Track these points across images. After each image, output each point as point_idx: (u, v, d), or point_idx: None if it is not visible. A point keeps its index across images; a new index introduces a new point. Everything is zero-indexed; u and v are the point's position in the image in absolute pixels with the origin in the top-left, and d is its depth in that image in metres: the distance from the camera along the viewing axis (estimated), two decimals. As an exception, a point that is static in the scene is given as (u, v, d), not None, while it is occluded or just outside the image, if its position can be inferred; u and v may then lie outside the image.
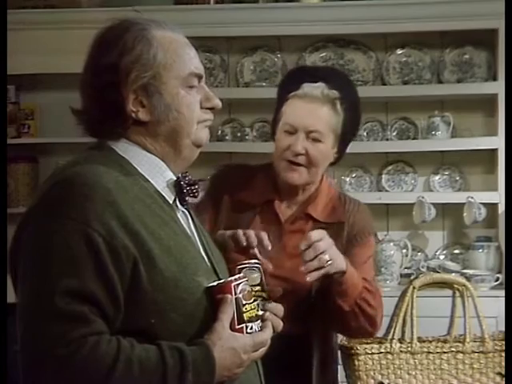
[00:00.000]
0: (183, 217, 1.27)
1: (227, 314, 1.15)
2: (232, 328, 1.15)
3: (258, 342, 1.17)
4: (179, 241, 1.20)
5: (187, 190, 1.25)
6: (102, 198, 1.11)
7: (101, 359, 1.06)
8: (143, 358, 1.07)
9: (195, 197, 1.28)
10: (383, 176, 3.38)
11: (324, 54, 3.36)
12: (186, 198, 1.25)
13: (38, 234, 1.11)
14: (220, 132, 3.38)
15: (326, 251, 1.53)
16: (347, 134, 1.74)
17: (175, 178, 1.24)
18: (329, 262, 1.53)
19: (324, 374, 1.72)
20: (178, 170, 1.25)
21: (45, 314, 1.07)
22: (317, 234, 1.55)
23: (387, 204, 3.34)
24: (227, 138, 3.38)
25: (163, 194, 1.22)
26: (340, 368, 1.84)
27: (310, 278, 1.53)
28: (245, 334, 1.16)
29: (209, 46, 3.37)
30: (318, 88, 1.70)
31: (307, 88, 1.71)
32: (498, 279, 3.02)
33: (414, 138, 3.31)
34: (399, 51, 3.33)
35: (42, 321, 1.07)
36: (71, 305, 1.07)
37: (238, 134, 3.40)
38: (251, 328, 1.18)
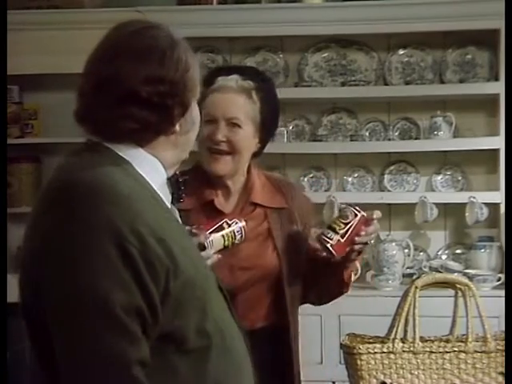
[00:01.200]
0: (177, 216, 1.29)
1: None
2: None
3: None
4: (186, 241, 1.22)
5: (182, 190, 1.27)
6: (128, 206, 1.10)
7: None
8: None
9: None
10: (385, 176, 3.38)
11: (326, 54, 3.37)
12: (183, 196, 1.27)
13: (71, 248, 1.07)
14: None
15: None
16: (266, 123, 1.79)
17: (167, 178, 1.25)
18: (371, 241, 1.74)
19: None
20: (170, 172, 1.27)
21: (102, 329, 1.05)
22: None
23: (389, 204, 3.34)
24: (230, 138, 3.39)
25: (161, 195, 1.22)
26: (342, 367, 1.85)
27: (357, 246, 1.70)
28: None
29: (211, 46, 3.37)
30: (232, 79, 1.76)
31: (222, 81, 1.77)
32: (499, 279, 3.02)
33: (416, 138, 3.32)
34: (401, 51, 3.34)
35: (98, 336, 1.05)
36: (126, 320, 1.06)
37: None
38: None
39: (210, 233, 1.61)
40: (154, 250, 1.09)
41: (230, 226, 1.64)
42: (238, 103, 1.74)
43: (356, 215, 1.70)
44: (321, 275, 1.83)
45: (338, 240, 1.69)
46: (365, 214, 1.72)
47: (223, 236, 1.63)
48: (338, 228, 1.69)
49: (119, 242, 1.06)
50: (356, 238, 1.69)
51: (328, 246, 1.69)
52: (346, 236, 1.69)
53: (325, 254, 1.73)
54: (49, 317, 1.09)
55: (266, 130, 1.80)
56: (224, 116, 1.74)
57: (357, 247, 1.71)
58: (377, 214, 1.73)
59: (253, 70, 1.99)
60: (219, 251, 1.62)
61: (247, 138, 1.75)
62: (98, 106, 1.17)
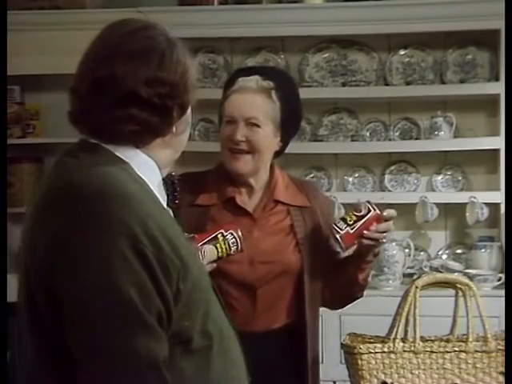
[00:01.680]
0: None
1: None
2: None
3: None
4: (187, 242, 1.23)
5: (178, 191, 1.27)
6: (138, 207, 1.10)
7: None
8: None
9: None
10: (386, 176, 3.39)
11: (327, 54, 3.38)
12: (178, 198, 1.28)
13: (86, 250, 1.07)
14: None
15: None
16: (287, 122, 1.80)
17: (162, 179, 1.25)
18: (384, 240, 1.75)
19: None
20: (164, 172, 1.27)
21: (127, 328, 1.05)
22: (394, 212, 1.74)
23: (390, 204, 3.32)
24: (231, 138, 3.39)
25: (158, 196, 1.22)
26: (343, 367, 1.85)
27: (366, 241, 1.72)
28: None
29: (212, 46, 3.38)
30: (251, 80, 1.78)
31: (242, 81, 1.78)
32: (500, 279, 3.03)
33: (416, 138, 3.32)
34: (402, 52, 3.34)
35: (125, 334, 1.05)
36: (150, 319, 1.06)
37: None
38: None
39: (202, 244, 1.63)
40: (166, 251, 1.09)
41: (224, 237, 1.65)
42: (257, 103, 1.76)
43: (369, 211, 1.72)
44: (336, 274, 1.85)
45: (347, 231, 1.71)
46: (379, 212, 1.73)
47: (216, 247, 1.64)
48: (349, 219, 1.72)
49: (134, 245, 1.06)
50: (365, 232, 1.71)
51: (337, 236, 1.72)
52: (356, 228, 1.71)
53: (334, 243, 1.76)
54: (68, 319, 1.08)
55: (287, 129, 1.82)
56: (243, 116, 1.75)
57: (366, 241, 1.73)
58: (388, 212, 1.75)
59: (274, 70, 2.01)
60: (214, 261, 1.65)
61: (267, 137, 1.77)
62: (96, 108, 1.16)
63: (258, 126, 1.75)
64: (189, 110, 1.25)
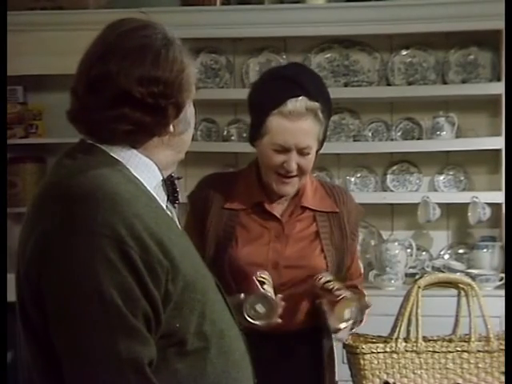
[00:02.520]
0: (174, 217, 1.28)
1: None
2: None
3: None
4: (185, 243, 1.22)
5: (178, 192, 1.27)
6: (126, 209, 1.09)
7: None
8: None
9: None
10: (388, 176, 3.39)
11: (329, 55, 3.38)
12: (179, 198, 1.27)
13: (71, 252, 1.07)
14: (226, 132, 3.40)
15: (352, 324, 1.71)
16: (325, 135, 1.81)
17: (162, 180, 1.24)
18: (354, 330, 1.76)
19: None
20: (166, 173, 1.26)
21: (113, 330, 1.06)
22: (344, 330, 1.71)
23: (392, 204, 3.35)
24: (233, 138, 3.39)
25: (156, 197, 1.21)
26: (345, 367, 1.86)
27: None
28: None
29: (214, 46, 3.38)
30: (301, 102, 1.72)
31: (291, 104, 1.72)
32: (502, 279, 3.03)
33: (418, 139, 3.32)
34: (404, 52, 3.34)
35: (110, 337, 1.05)
36: (135, 322, 1.06)
37: (244, 135, 3.41)
38: None
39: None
40: (153, 253, 1.08)
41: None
42: (308, 129, 1.74)
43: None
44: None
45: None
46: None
47: None
48: None
49: (119, 246, 1.06)
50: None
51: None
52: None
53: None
54: (52, 320, 1.08)
55: (324, 140, 1.82)
56: (297, 146, 1.74)
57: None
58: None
59: (313, 79, 1.83)
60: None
61: (313, 158, 1.79)
62: (91, 107, 1.15)
63: (308, 153, 1.75)
64: (190, 110, 1.24)
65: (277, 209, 1.83)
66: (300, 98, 1.72)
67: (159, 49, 1.17)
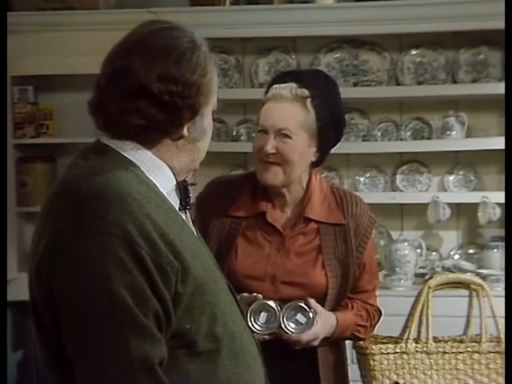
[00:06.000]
0: (187, 220, 1.28)
1: None
2: None
3: None
4: (197, 245, 1.22)
5: (190, 197, 1.27)
6: (137, 209, 1.09)
7: None
8: None
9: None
10: (397, 176, 3.38)
11: (338, 54, 3.37)
12: (190, 204, 1.27)
13: (82, 252, 1.07)
14: (235, 132, 3.40)
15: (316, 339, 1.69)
16: (324, 131, 1.74)
17: (176, 183, 1.24)
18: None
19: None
20: (180, 178, 1.25)
21: (125, 329, 1.06)
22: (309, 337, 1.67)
23: (401, 204, 3.34)
24: (242, 138, 3.40)
25: (169, 200, 1.21)
26: (355, 367, 1.86)
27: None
28: None
29: (224, 46, 3.38)
30: (286, 88, 1.73)
31: (276, 89, 1.74)
32: (512, 279, 3.02)
33: (428, 138, 3.32)
34: (413, 51, 3.33)
35: (122, 336, 1.05)
36: (146, 322, 1.07)
37: (253, 135, 3.41)
38: None
39: None
40: (164, 253, 1.09)
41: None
42: (290, 113, 1.71)
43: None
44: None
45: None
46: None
47: None
48: None
49: (129, 246, 1.06)
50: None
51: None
52: None
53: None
54: (63, 320, 1.09)
55: (326, 138, 1.75)
56: (274, 127, 1.71)
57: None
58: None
59: (315, 75, 1.87)
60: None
61: (298, 148, 1.71)
62: (109, 98, 1.17)
63: (289, 137, 1.71)
64: (208, 121, 1.24)
65: (280, 218, 1.78)
66: (286, 84, 1.73)
67: (184, 50, 1.18)
